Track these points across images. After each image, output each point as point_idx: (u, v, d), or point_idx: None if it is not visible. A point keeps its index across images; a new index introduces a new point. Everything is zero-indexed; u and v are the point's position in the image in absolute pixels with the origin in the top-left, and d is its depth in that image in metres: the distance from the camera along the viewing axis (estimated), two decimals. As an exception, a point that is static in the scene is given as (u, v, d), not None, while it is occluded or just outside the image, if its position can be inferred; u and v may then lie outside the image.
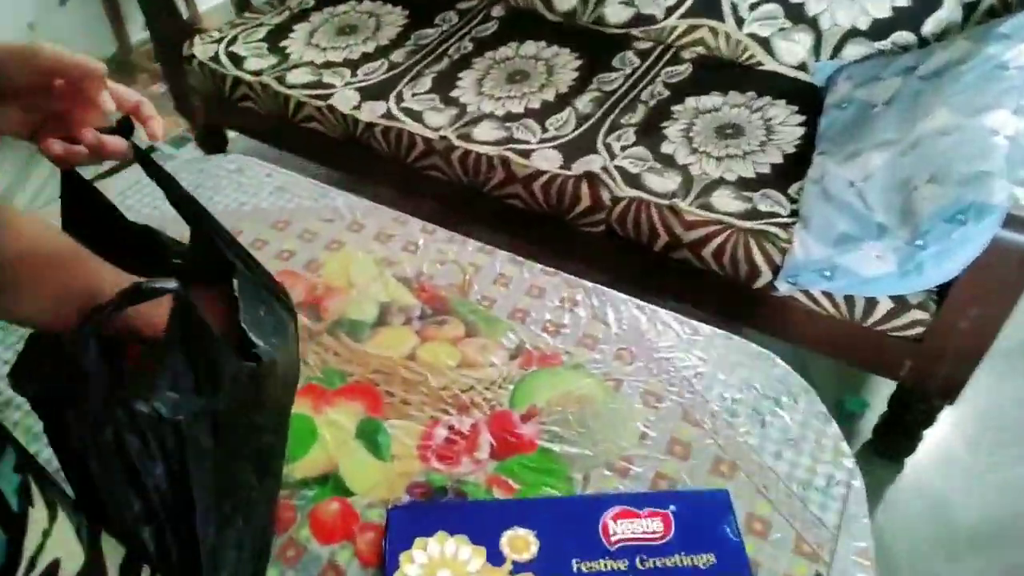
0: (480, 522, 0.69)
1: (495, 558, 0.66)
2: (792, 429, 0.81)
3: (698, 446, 0.79)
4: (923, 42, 1.50)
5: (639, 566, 0.66)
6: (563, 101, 1.58)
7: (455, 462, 0.77)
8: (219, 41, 1.77)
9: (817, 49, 1.59)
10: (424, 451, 0.78)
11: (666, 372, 0.86)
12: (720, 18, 1.66)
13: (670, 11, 1.70)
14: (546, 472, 0.77)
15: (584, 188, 1.37)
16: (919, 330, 1.20)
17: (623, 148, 1.45)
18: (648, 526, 0.69)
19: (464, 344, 0.89)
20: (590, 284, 0.97)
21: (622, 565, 0.66)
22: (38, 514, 0.46)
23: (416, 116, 1.54)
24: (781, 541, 0.71)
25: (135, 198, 1.09)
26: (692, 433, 0.80)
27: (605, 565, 0.66)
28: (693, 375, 0.86)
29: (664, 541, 0.68)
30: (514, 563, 0.66)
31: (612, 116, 1.53)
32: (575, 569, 0.66)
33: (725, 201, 1.32)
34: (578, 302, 0.94)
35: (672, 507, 0.71)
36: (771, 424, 0.81)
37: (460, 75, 1.67)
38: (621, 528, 0.69)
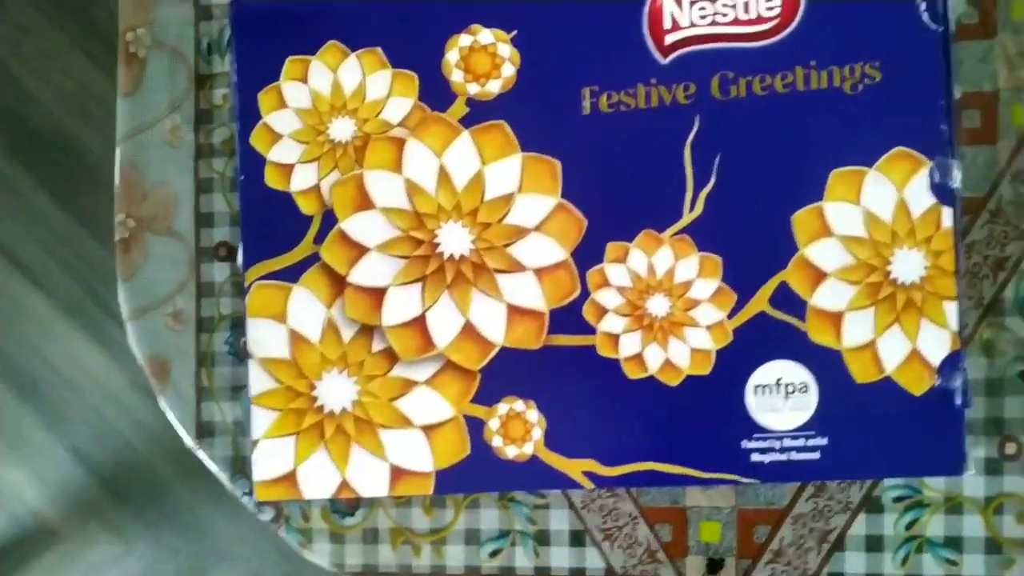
0: (404, 25, 0.36)
1: (435, 90, 0.36)
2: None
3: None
4: None
5: (717, 93, 0.34)
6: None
7: None
8: None
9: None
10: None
11: None
12: None
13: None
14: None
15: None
16: None
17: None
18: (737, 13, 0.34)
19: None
20: None
21: (684, 93, 0.34)
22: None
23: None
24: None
25: None
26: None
27: (652, 95, 0.34)
28: None
29: (771, 42, 0.33)
30: (472, 101, 0.35)
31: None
32: (589, 104, 0.35)
33: None
34: None
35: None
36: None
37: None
38: (685, 16, 0.34)
